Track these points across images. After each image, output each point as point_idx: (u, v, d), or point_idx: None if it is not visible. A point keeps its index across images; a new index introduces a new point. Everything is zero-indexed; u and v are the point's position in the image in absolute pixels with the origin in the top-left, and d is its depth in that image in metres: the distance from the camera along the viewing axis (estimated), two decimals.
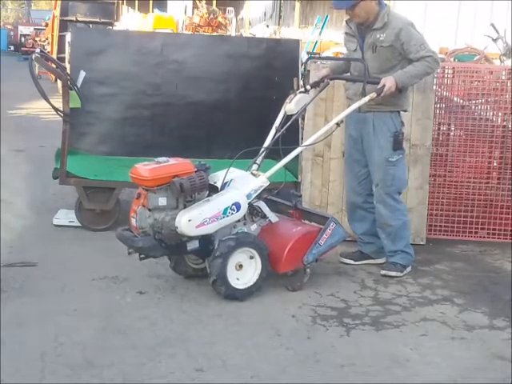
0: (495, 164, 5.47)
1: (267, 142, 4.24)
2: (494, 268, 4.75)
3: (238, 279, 3.85)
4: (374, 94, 4.20)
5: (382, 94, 4.20)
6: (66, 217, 5.23)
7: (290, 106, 4.32)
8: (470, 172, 5.40)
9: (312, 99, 4.45)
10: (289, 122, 4.24)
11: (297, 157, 5.20)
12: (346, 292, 4.10)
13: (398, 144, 4.42)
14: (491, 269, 4.73)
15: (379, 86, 4.20)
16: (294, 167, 5.39)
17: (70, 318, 3.54)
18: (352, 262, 4.64)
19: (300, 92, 4.40)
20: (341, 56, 5.13)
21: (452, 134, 5.55)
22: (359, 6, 4.25)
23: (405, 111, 4.52)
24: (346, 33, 4.54)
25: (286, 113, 4.34)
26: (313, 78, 4.68)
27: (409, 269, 4.53)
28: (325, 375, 3.08)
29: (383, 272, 4.46)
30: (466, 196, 5.34)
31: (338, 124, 4.25)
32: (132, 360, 3.12)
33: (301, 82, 4.70)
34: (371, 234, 4.64)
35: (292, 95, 4.37)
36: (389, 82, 4.19)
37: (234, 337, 3.43)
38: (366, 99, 4.22)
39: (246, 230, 3.97)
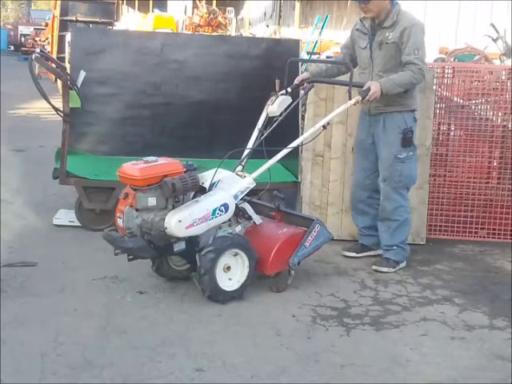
0: (495, 164, 5.48)
1: (251, 143, 4.25)
2: (494, 268, 4.75)
3: (230, 279, 3.85)
4: (358, 97, 4.25)
5: (367, 98, 4.22)
6: (66, 217, 5.23)
7: (273, 107, 4.33)
8: (470, 172, 5.40)
9: (296, 102, 4.47)
10: (274, 124, 4.25)
11: (297, 157, 5.23)
12: (346, 292, 4.10)
13: (406, 141, 4.45)
14: (491, 269, 4.73)
15: (364, 89, 4.23)
16: (294, 167, 5.40)
17: (70, 318, 3.54)
18: (354, 254, 4.73)
19: (281, 94, 4.41)
20: (337, 56, 5.13)
21: (452, 134, 5.55)
22: (372, 2, 4.33)
23: (415, 110, 4.52)
24: (358, 29, 4.58)
25: (268, 114, 4.36)
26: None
27: (402, 264, 4.59)
28: (325, 375, 3.08)
29: (374, 267, 4.54)
30: (466, 196, 5.34)
31: (324, 126, 4.26)
32: (132, 360, 3.12)
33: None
34: (372, 228, 4.74)
35: (274, 97, 4.39)
36: (373, 87, 4.22)
37: (234, 337, 3.43)
38: (351, 102, 4.26)
39: (230, 231, 3.96)
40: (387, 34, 4.37)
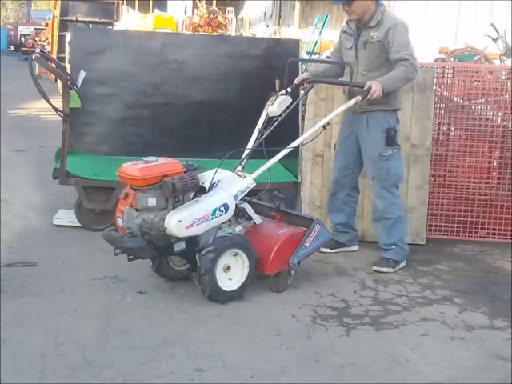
0: (495, 164, 5.48)
1: (251, 143, 4.26)
2: (494, 268, 4.75)
3: (230, 279, 3.85)
4: (359, 97, 4.27)
5: (368, 97, 4.24)
6: (66, 217, 5.23)
7: (273, 108, 4.35)
8: (470, 172, 5.40)
9: (296, 102, 4.50)
10: (274, 124, 4.26)
11: (297, 157, 5.23)
12: (346, 292, 4.10)
13: (390, 140, 4.51)
14: (491, 269, 4.73)
15: (365, 88, 4.25)
16: (294, 167, 5.40)
17: (70, 318, 3.54)
18: (328, 250, 4.75)
19: (281, 94, 4.44)
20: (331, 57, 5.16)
21: (452, 134, 5.55)
22: (355, 4, 4.40)
23: (398, 110, 4.59)
24: (345, 31, 4.66)
25: (268, 115, 4.37)
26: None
27: (402, 264, 4.60)
28: (325, 375, 3.08)
29: (375, 268, 4.55)
30: (466, 196, 5.34)
31: (324, 126, 4.29)
32: (132, 360, 3.12)
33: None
34: (346, 225, 4.83)
35: (274, 97, 4.41)
36: (374, 86, 4.24)
37: (234, 337, 3.43)
38: (351, 102, 4.30)
39: (230, 231, 3.96)
40: (372, 34, 4.44)
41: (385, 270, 4.51)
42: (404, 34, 4.40)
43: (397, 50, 4.33)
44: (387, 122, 4.49)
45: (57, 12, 16.90)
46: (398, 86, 4.40)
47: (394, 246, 4.59)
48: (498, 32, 7.82)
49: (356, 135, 4.62)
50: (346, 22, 4.66)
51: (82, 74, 5.28)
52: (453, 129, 5.55)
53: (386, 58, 4.41)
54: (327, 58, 8.24)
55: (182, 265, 4.07)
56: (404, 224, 4.72)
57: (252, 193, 4.09)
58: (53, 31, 17.22)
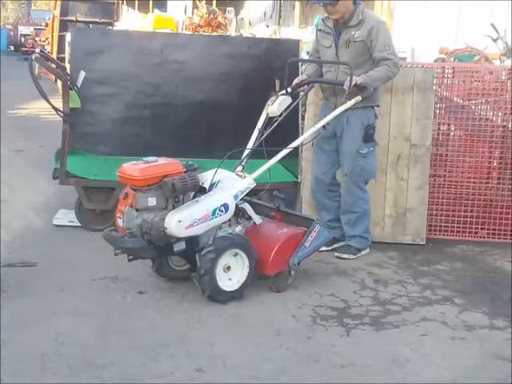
0: (495, 164, 5.47)
1: (251, 144, 4.27)
2: (494, 268, 4.75)
3: (230, 279, 3.85)
4: (358, 98, 4.34)
5: (353, 84, 4.30)
6: (66, 217, 5.24)
7: (273, 108, 4.38)
8: (470, 172, 5.40)
9: (296, 102, 4.54)
10: (274, 124, 4.28)
11: (297, 157, 5.23)
12: (346, 292, 4.10)
13: (368, 137, 4.61)
14: (491, 269, 4.73)
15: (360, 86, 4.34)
16: (294, 167, 5.40)
17: (70, 318, 3.54)
18: (325, 248, 4.73)
19: (281, 94, 4.47)
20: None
21: (452, 134, 5.55)
22: (340, 3, 4.45)
23: (377, 106, 4.68)
24: (321, 30, 4.73)
25: (268, 115, 4.39)
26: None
27: (364, 252, 4.78)
28: (325, 375, 3.08)
29: (336, 254, 4.72)
30: (465, 196, 5.34)
31: (324, 127, 4.35)
32: (132, 360, 3.12)
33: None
34: (336, 220, 4.89)
35: (274, 97, 4.44)
36: (355, 79, 4.35)
37: (234, 337, 3.43)
38: (351, 103, 4.35)
39: (230, 231, 3.96)
40: (353, 33, 4.50)
41: (345, 256, 4.69)
42: (386, 32, 4.53)
43: (380, 49, 4.44)
44: (367, 119, 4.59)
45: (57, 12, 16.90)
46: (378, 84, 4.50)
47: (357, 236, 4.74)
48: (498, 32, 7.81)
49: (335, 132, 4.67)
50: (322, 20, 4.73)
51: (82, 75, 5.28)
52: (453, 129, 5.54)
53: (369, 55, 4.50)
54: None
55: (182, 265, 4.08)
56: (370, 215, 4.83)
57: (252, 193, 4.10)
58: (53, 31, 17.21)
